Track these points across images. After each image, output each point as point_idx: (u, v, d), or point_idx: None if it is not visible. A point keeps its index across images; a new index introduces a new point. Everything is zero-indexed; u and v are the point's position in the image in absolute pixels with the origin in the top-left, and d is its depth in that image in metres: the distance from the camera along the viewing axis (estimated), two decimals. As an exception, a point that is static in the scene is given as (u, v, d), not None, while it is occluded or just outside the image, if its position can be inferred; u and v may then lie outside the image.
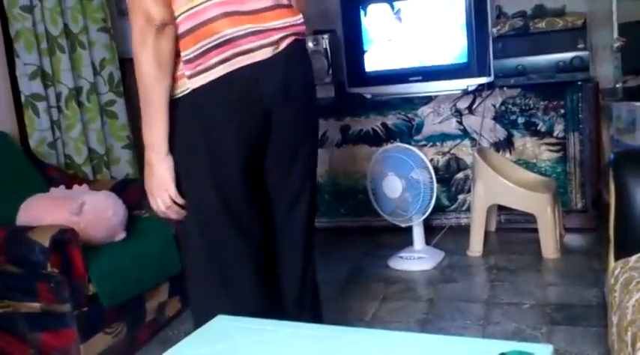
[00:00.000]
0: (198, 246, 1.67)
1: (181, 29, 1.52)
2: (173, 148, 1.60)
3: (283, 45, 1.59)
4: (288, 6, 1.63)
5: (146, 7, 1.44)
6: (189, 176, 1.62)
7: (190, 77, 1.53)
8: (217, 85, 1.52)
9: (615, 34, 3.41)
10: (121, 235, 2.49)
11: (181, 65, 1.54)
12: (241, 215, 1.64)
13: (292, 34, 1.61)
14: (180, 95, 1.56)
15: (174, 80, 1.53)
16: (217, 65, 1.52)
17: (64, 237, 2.11)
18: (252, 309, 1.63)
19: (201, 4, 1.50)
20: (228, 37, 1.51)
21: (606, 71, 3.54)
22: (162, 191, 1.62)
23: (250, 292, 1.68)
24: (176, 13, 1.50)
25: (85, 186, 2.60)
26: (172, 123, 1.57)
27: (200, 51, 1.52)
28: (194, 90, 1.54)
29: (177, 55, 1.52)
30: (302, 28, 1.65)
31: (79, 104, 3.18)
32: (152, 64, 1.48)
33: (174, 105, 1.56)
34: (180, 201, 1.63)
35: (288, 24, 1.60)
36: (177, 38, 1.51)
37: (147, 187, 1.67)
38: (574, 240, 3.23)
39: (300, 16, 1.65)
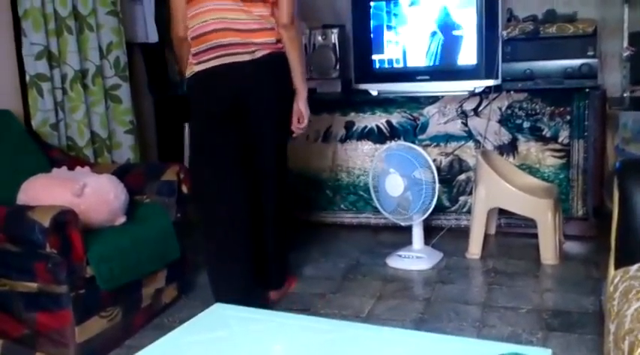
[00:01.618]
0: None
1: (191, 35, 2.44)
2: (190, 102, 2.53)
3: (258, 55, 2.42)
4: (270, 29, 2.43)
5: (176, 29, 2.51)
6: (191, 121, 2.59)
7: (195, 64, 2.45)
8: (209, 71, 2.42)
9: (625, 43, 3.41)
10: (121, 219, 2.48)
11: (191, 57, 2.47)
12: (211, 151, 2.49)
13: (267, 49, 2.43)
14: (189, 74, 2.49)
15: (187, 65, 2.50)
16: (210, 60, 2.41)
17: (65, 218, 2.11)
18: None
19: (205, 21, 2.40)
20: (219, 44, 2.40)
21: (614, 79, 3.54)
22: None
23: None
24: (190, 25, 2.45)
25: (87, 169, 2.59)
26: (187, 90, 2.53)
27: (201, 50, 2.43)
28: (196, 73, 2.45)
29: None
30: (277, 46, 2.46)
31: (84, 87, 3.16)
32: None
33: (188, 80, 2.50)
34: None
35: (265, 42, 2.43)
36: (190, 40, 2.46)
37: None
38: (573, 247, 3.23)
39: (275, 38, 2.44)
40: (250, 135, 2.52)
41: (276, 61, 2.47)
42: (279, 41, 2.46)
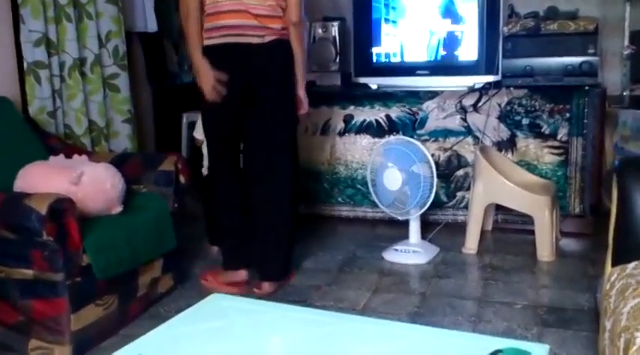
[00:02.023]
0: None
1: (208, 11, 2.60)
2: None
3: (267, 39, 2.60)
4: (279, 17, 2.62)
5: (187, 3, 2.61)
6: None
7: (205, 39, 2.62)
8: (218, 47, 2.60)
9: (626, 42, 3.41)
10: (118, 208, 2.47)
11: (204, 32, 2.63)
12: (213, 118, 2.74)
13: (275, 34, 2.62)
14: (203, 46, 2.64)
15: (201, 38, 2.63)
16: (222, 37, 2.59)
17: (62, 206, 2.10)
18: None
19: (221, 2, 2.58)
20: (234, 24, 2.57)
21: (614, 78, 3.54)
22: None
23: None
24: (207, 2, 2.60)
25: (84, 157, 2.58)
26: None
27: (215, 26, 2.60)
28: (206, 46, 2.62)
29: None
30: (284, 32, 2.64)
31: (82, 75, 3.15)
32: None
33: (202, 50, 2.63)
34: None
35: (275, 28, 2.62)
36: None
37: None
38: (569, 244, 3.24)
39: (282, 26, 2.63)
40: (258, 116, 2.67)
41: (283, 47, 2.65)
42: (284, 29, 2.64)
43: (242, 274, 2.77)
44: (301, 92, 2.77)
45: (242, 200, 2.77)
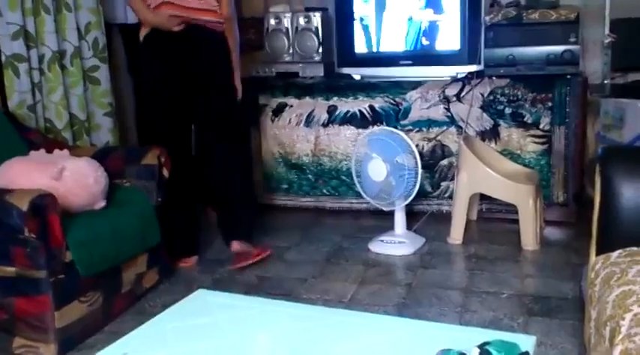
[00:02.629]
0: None
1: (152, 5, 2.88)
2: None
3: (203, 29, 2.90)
4: (213, 11, 2.91)
5: None
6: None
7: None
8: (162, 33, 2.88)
9: (607, 30, 3.42)
10: (101, 203, 2.45)
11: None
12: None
13: (211, 24, 2.91)
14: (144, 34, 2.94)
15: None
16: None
17: (43, 202, 2.07)
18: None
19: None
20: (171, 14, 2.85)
21: (595, 66, 3.55)
22: None
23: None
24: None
25: (65, 152, 2.54)
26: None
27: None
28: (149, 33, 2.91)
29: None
30: (219, 25, 2.94)
31: (62, 68, 3.10)
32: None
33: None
34: None
35: (209, 20, 2.91)
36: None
37: None
38: (553, 233, 3.26)
39: (216, 19, 2.92)
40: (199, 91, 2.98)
41: (217, 38, 2.96)
42: (219, 22, 2.94)
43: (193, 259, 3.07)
44: (237, 81, 3.06)
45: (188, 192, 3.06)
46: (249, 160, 3.61)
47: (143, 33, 2.93)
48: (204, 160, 3.09)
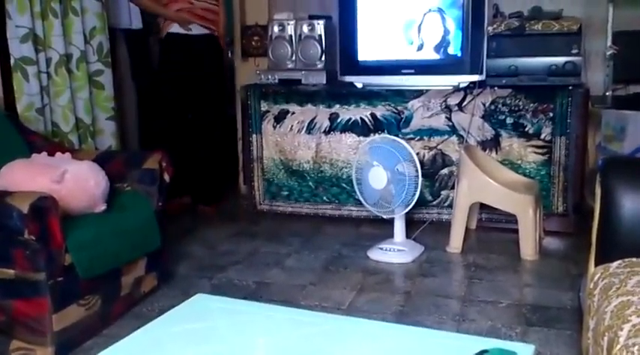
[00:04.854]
0: None
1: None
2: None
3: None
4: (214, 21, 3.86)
5: None
6: None
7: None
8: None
9: (609, 42, 3.44)
10: (102, 207, 2.45)
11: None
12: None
13: (210, 33, 3.81)
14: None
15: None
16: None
17: (44, 205, 2.07)
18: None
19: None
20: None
21: (597, 78, 3.56)
22: None
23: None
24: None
25: (67, 155, 2.55)
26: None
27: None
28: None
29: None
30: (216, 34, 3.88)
31: (69, 71, 3.12)
32: None
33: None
34: None
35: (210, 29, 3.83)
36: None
37: None
38: (553, 243, 3.26)
39: (214, 28, 3.86)
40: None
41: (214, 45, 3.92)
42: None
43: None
44: None
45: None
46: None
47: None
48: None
